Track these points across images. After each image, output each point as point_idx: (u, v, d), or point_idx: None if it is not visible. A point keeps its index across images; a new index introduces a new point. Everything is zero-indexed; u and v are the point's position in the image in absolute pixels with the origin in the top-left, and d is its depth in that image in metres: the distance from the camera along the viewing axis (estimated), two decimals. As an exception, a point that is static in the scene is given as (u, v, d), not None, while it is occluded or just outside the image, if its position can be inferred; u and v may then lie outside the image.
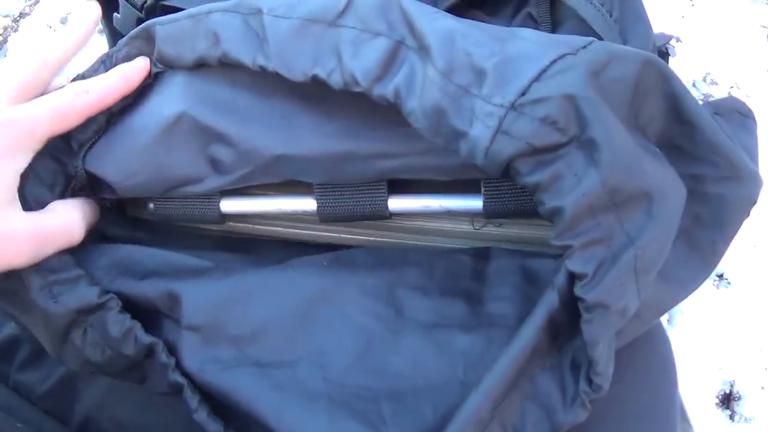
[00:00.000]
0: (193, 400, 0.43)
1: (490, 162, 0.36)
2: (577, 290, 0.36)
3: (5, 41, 1.65)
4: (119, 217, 0.51)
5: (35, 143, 0.43)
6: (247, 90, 0.44)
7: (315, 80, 0.40)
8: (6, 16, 1.68)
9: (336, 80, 0.39)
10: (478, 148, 0.36)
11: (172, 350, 0.44)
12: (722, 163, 0.41)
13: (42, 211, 0.43)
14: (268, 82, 0.44)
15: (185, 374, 0.43)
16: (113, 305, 0.43)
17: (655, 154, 0.39)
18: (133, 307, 0.44)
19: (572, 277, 0.37)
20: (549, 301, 0.39)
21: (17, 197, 0.42)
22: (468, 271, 0.46)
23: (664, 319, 1.33)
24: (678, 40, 1.73)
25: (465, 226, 0.47)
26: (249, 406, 0.42)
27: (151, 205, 0.48)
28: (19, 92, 0.44)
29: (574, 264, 0.36)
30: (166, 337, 0.44)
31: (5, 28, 1.66)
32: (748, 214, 0.43)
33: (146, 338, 0.43)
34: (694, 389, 1.31)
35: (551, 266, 0.44)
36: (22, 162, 0.43)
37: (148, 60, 0.46)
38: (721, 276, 1.41)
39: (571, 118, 0.35)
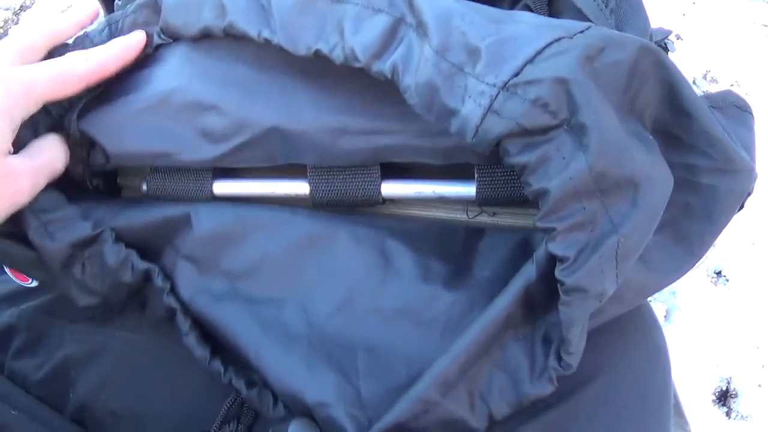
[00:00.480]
0: (184, 324, 0.45)
1: (479, 140, 0.36)
2: (558, 273, 0.36)
3: (5, 34, 1.65)
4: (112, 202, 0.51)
5: (32, 103, 0.44)
6: (248, 63, 0.45)
7: (317, 55, 0.40)
8: (7, 9, 1.69)
9: (337, 55, 0.40)
10: (468, 126, 0.36)
11: (168, 279, 0.45)
12: (717, 155, 0.41)
13: (31, 149, 0.45)
14: (269, 56, 0.44)
15: (180, 302, 0.45)
16: (107, 237, 0.44)
17: (646, 142, 0.39)
18: (130, 243, 0.46)
19: (552, 255, 0.37)
20: (527, 274, 0.39)
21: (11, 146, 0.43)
22: (461, 240, 0.47)
23: (661, 315, 1.33)
24: (679, 37, 1.73)
25: (459, 215, 0.47)
26: (233, 340, 0.44)
27: (144, 186, 0.48)
28: (18, 56, 0.46)
29: (556, 247, 0.36)
30: (163, 267, 0.46)
31: (6, 21, 1.66)
32: (741, 207, 0.43)
33: (142, 264, 0.44)
34: (691, 386, 1.31)
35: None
36: (18, 119, 0.43)
37: (145, 34, 0.47)
38: (719, 273, 1.41)
39: (562, 102, 0.35)
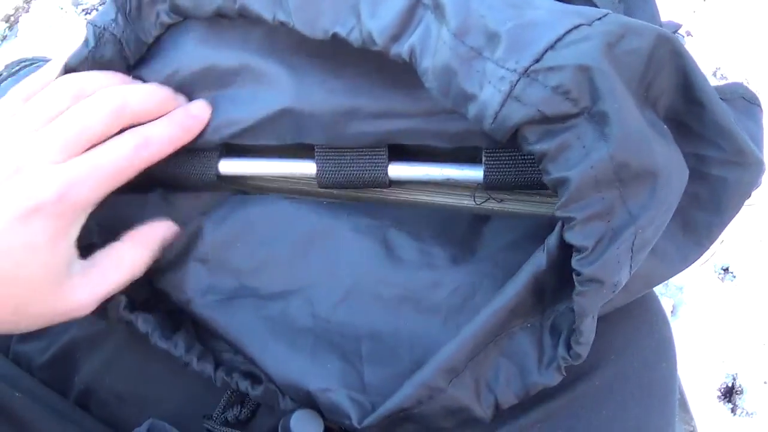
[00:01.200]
0: (179, 349, 0.46)
1: (498, 127, 0.36)
2: (575, 263, 0.36)
3: (16, 21, 1.65)
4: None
5: (91, 206, 0.42)
6: (258, 45, 0.45)
7: (335, 38, 0.40)
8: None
9: (355, 38, 0.39)
10: (487, 112, 0.36)
11: (178, 284, 0.46)
12: (727, 147, 0.40)
13: (97, 262, 0.44)
14: (280, 38, 0.44)
15: (185, 307, 0.46)
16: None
17: (662, 132, 0.38)
18: None
19: (564, 243, 0.37)
20: (537, 263, 0.39)
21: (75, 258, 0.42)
22: (465, 225, 0.47)
23: (667, 310, 1.33)
24: (689, 34, 1.72)
25: (466, 202, 0.47)
26: (238, 339, 0.45)
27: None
28: (79, 146, 0.42)
29: (574, 236, 0.36)
30: (174, 269, 0.47)
31: (16, 9, 1.66)
32: (748, 196, 0.42)
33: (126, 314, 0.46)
34: (697, 381, 1.30)
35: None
36: (76, 230, 0.42)
37: (208, 110, 0.45)
38: (726, 269, 1.40)
39: (584, 89, 0.34)
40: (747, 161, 0.41)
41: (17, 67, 0.66)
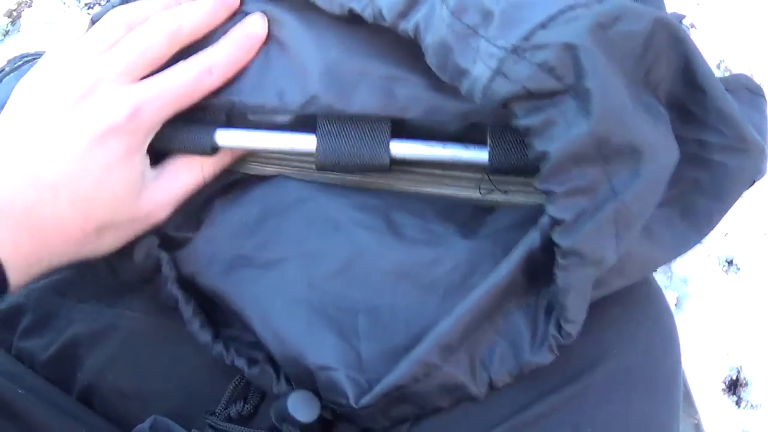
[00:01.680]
0: (187, 310, 0.46)
1: (487, 101, 0.37)
2: (554, 236, 0.37)
3: (19, 16, 1.65)
4: None
5: (158, 126, 0.44)
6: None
7: (351, 13, 0.42)
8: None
9: (369, 14, 0.41)
10: (477, 87, 0.37)
11: (185, 258, 0.47)
12: (729, 133, 0.41)
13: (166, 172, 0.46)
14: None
15: (189, 280, 0.47)
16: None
17: (656, 114, 0.39)
18: None
19: (555, 222, 0.37)
20: (530, 241, 0.40)
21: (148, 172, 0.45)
22: (469, 211, 0.47)
23: (672, 302, 1.32)
24: (692, 26, 1.72)
25: (471, 193, 0.47)
26: (241, 310, 0.46)
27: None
28: (143, 68, 0.44)
29: (554, 210, 0.37)
30: (180, 240, 0.48)
31: (19, 4, 1.66)
32: (751, 185, 0.43)
33: (156, 251, 0.47)
34: (701, 374, 1.30)
35: None
36: (146, 144, 0.44)
37: (264, 23, 0.46)
38: (730, 262, 1.40)
39: (568, 67, 0.36)
40: (748, 147, 0.41)
41: (20, 62, 0.65)
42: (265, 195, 0.48)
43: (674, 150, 0.40)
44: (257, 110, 0.46)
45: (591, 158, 0.36)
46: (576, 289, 0.38)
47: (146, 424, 0.44)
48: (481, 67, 0.37)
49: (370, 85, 0.44)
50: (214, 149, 0.46)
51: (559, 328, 0.40)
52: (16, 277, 0.40)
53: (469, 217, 0.47)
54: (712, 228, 0.43)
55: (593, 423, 0.43)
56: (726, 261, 1.40)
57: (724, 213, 0.43)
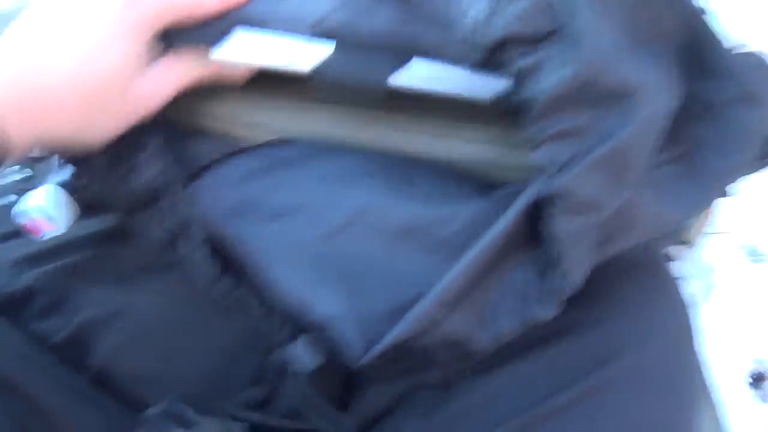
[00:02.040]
0: (197, 238, 0.46)
1: (479, 46, 0.38)
2: (543, 180, 0.37)
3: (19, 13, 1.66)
4: None
5: (155, 20, 0.43)
6: None
7: None
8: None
9: None
10: (466, 31, 0.38)
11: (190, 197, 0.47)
12: (736, 87, 0.41)
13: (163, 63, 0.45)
14: None
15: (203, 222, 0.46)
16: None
17: (657, 60, 0.39)
18: None
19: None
20: (529, 194, 0.39)
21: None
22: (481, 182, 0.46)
23: (698, 293, 1.31)
24: (703, 12, 1.71)
25: (484, 153, 0.46)
26: (247, 257, 0.45)
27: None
28: None
29: (540, 155, 0.37)
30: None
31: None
32: (757, 142, 0.42)
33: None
34: (726, 367, 1.29)
35: None
36: (145, 37, 0.43)
37: None
38: (755, 252, 1.38)
39: (556, 12, 0.36)
40: (756, 100, 0.41)
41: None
42: (272, 149, 0.47)
43: (670, 94, 0.39)
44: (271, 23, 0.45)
45: (578, 101, 0.36)
46: (570, 238, 0.38)
47: (158, 408, 0.44)
48: (473, 12, 0.37)
49: (386, 12, 0.43)
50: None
51: (562, 279, 0.39)
52: (18, 138, 0.40)
53: (483, 185, 0.46)
54: (721, 187, 0.43)
55: (609, 419, 0.42)
56: (751, 251, 1.38)
57: (733, 172, 0.42)
